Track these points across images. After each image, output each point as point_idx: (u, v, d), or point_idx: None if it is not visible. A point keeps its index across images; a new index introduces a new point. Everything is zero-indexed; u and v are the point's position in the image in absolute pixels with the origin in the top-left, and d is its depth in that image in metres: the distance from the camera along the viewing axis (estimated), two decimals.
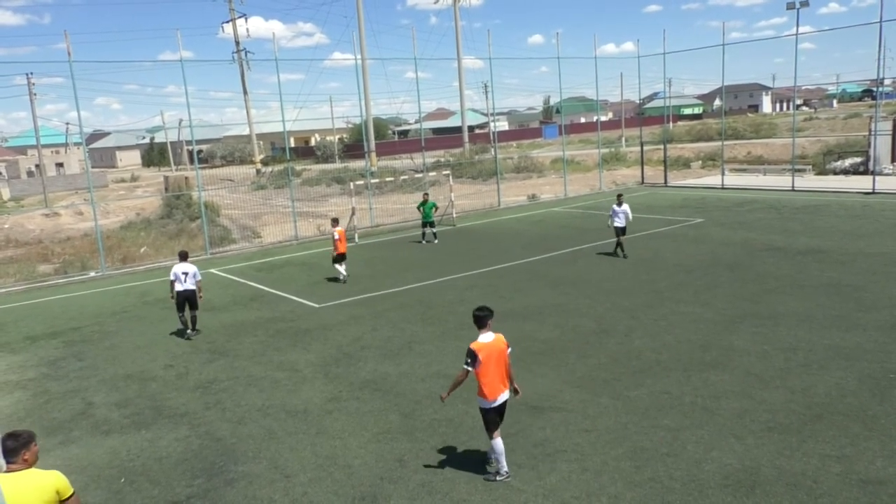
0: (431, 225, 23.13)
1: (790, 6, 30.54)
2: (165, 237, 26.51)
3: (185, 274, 13.44)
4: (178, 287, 13.44)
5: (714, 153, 43.19)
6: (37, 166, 62.15)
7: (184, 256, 13.92)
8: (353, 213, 24.69)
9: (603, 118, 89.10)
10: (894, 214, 22.38)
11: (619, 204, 18.11)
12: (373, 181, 30.39)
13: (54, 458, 8.75)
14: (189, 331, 13.67)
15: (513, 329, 12.68)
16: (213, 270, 20.59)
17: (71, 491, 4.70)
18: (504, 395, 7.35)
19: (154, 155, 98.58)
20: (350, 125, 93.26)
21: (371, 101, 56.61)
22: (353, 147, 74.97)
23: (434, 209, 23.40)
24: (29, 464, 4.66)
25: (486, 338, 7.38)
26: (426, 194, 23.76)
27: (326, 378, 10.87)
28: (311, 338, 13.06)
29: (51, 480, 4.60)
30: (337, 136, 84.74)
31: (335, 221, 18.04)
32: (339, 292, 16.61)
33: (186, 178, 38.58)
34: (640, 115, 57.68)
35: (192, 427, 9.36)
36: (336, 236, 17.53)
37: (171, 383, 11.16)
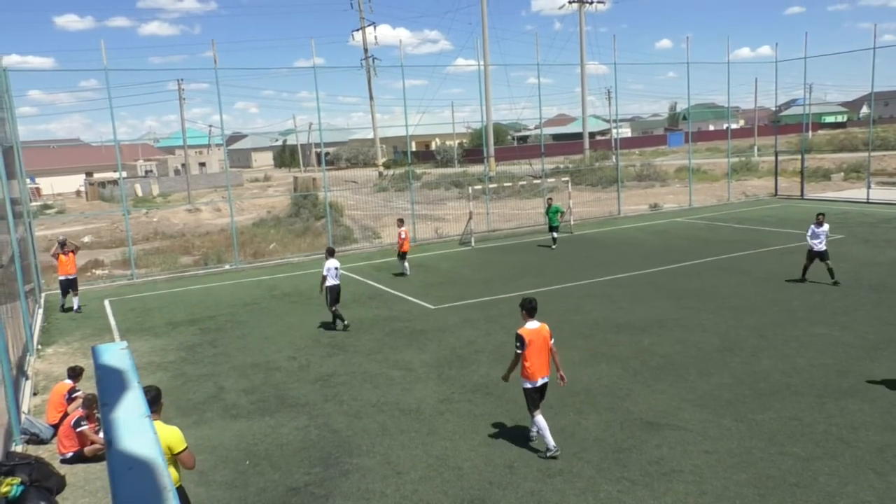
0: (556, 229, 23.08)
1: None
2: (292, 235, 27.93)
3: (337, 269, 14.19)
4: (331, 282, 14.07)
5: (859, 165, 39.93)
6: (182, 165, 67.40)
7: (331, 252, 14.59)
8: (469, 217, 24.91)
9: (734, 126, 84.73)
10: None
11: (820, 224, 15.87)
12: (491, 186, 30.50)
13: (188, 436, 9.41)
14: (344, 322, 14.25)
15: (629, 342, 12.33)
16: None
17: (184, 446, 5.67)
18: (545, 379, 8.23)
19: (285, 156, 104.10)
20: (470, 130, 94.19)
21: (492, 106, 56.89)
22: (472, 152, 75.67)
23: (559, 214, 23.37)
24: (158, 416, 5.72)
25: (533, 325, 8.31)
26: (550, 199, 23.76)
27: (440, 379, 11.04)
28: (426, 338, 13.31)
29: (168, 434, 5.59)
30: (457, 141, 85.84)
31: (401, 222, 19.69)
32: (454, 295, 16.81)
33: (314, 178, 40.49)
34: (776, 123, 54.34)
35: (312, 417, 9.80)
36: (402, 235, 19.28)
37: (293, 374, 11.74)
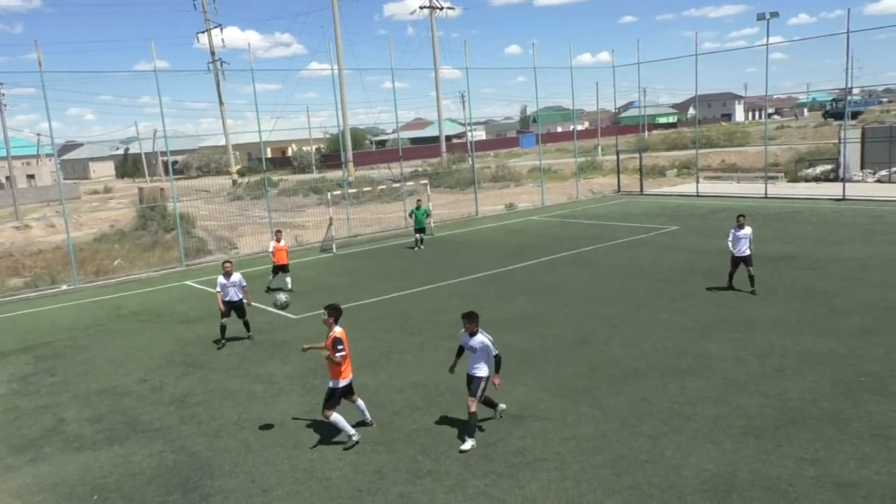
0: (423, 231, 23.35)
1: (760, 17, 31.14)
2: (140, 249, 26.16)
3: (234, 286, 13.70)
4: (225, 298, 13.63)
5: (689, 161, 43.71)
6: (7, 178, 61.09)
7: (228, 267, 14.00)
8: (330, 224, 24.57)
9: (579, 127, 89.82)
10: (864, 220, 22.81)
11: (741, 227, 14.49)
12: (350, 191, 30.28)
13: (24, 475, 8.55)
14: (248, 337, 13.93)
15: (497, 338, 12.67)
16: (188, 282, 20.36)
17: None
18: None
19: (128, 166, 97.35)
20: (327, 135, 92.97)
21: (348, 111, 56.54)
22: (330, 157, 74.73)
23: (427, 216, 23.76)
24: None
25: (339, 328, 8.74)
26: (419, 200, 24.15)
27: (304, 390, 10.77)
28: (288, 349, 12.94)
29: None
30: (314, 147, 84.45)
31: (278, 233, 19.12)
32: (317, 303, 16.44)
33: (161, 189, 38.15)
34: (616, 124, 58.29)
35: (167, 442, 9.21)
36: (271, 248, 18.66)
37: (145, 398, 10.98)
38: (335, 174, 53.97)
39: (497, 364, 8.53)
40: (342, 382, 8.64)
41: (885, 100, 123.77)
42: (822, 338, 11.45)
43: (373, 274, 19.84)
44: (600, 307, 14.28)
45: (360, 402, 9.14)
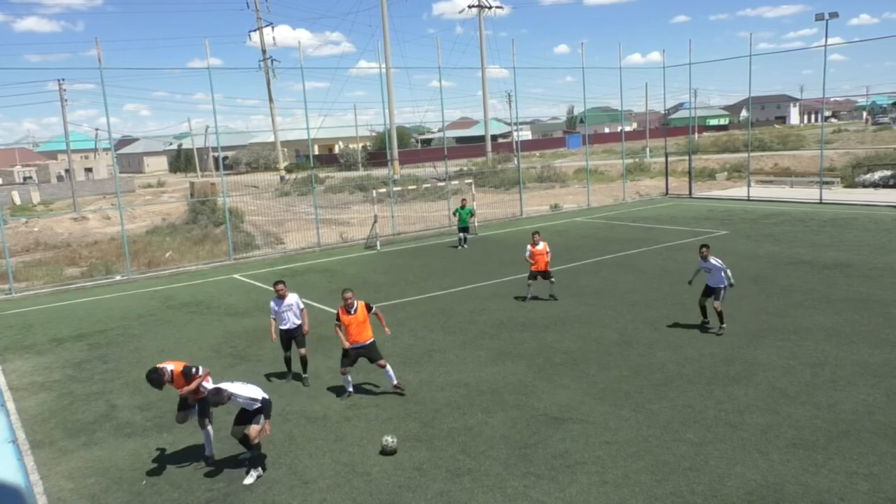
0: (466, 230, 23.40)
1: (819, 17, 30.16)
2: (190, 242, 26.83)
3: (289, 309, 11.14)
4: (282, 326, 11.20)
5: (740, 165, 42.70)
6: (66, 171, 63.31)
7: (281, 289, 11.18)
8: (374, 221, 24.78)
9: (627, 128, 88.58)
10: None
11: (705, 258, 12.30)
12: (395, 189, 30.47)
13: (77, 459, 8.86)
14: (302, 378, 11.26)
15: (533, 339, 12.63)
16: (236, 276, 20.79)
17: None
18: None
19: (181, 161, 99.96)
20: (374, 133, 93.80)
21: (395, 109, 56.91)
22: (376, 155, 75.37)
23: (471, 215, 23.78)
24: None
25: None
26: (464, 199, 24.15)
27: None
28: (331, 344, 13.08)
29: None
30: (360, 144, 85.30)
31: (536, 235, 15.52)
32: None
33: (212, 183, 39.07)
34: (665, 126, 57.26)
35: (214, 431, 9.41)
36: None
37: None
38: (381, 172, 54.42)
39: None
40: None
41: None
42: (878, 349, 11.06)
43: (416, 272, 19.94)
44: (645, 311, 14.07)
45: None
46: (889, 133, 61.32)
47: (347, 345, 10.24)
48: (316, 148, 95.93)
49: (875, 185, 33.90)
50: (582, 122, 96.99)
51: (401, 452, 8.43)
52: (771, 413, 8.89)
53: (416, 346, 12.66)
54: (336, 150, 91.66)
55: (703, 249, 12.43)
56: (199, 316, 16.10)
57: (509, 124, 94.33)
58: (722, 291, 12.23)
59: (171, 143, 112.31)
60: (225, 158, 72.33)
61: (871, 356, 10.75)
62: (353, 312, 10.25)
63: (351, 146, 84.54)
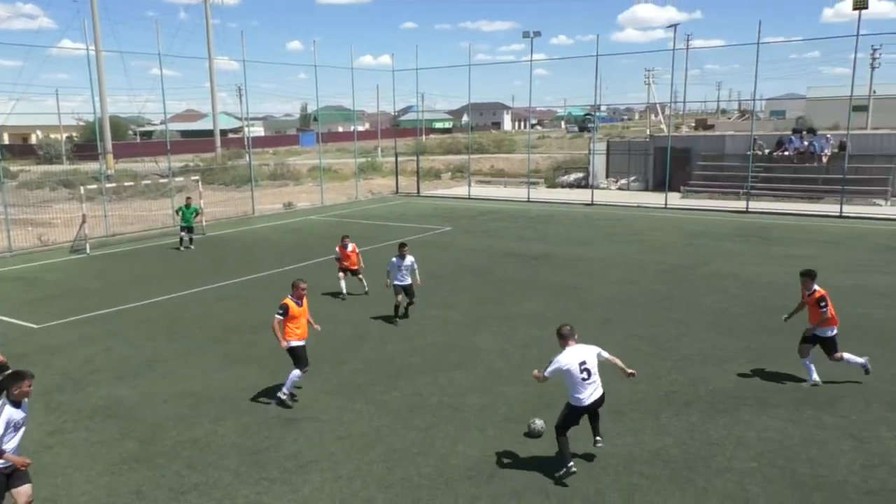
0: (191, 230, 22.01)
1: (525, 35, 33.90)
2: None
3: None
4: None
5: (462, 165, 46.15)
6: None
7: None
8: (83, 222, 22.05)
9: (360, 128, 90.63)
10: (608, 223, 25.80)
11: (402, 256, 13.19)
12: (109, 186, 27.47)
13: None
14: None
15: (265, 342, 12.26)
16: None
17: None
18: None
19: None
20: (82, 123, 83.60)
21: (107, 97, 51.44)
22: (85, 147, 67.17)
23: (196, 214, 22.40)
24: None
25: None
26: (189, 198, 22.67)
27: (47, 409, 9.55)
28: (27, 363, 11.31)
29: None
30: (65, 135, 75.51)
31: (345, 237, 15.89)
32: (65, 310, 14.73)
33: None
34: (396, 127, 59.73)
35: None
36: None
37: None
38: (91, 166, 48.73)
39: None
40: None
41: (626, 118, 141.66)
42: None
43: (134, 276, 18.21)
44: (374, 307, 14.50)
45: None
46: (582, 140, 70.94)
47: (295, 343, 9.49)
48: (6, 136, 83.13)
49: (571, 185, 39.05)
50: (315, 120, 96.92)
51: (116, 476, 7.62)
52: (487, 394, 9.75)
53: (134, 357, 11.56)
54: (33, 140, 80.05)
55: (403, 248, 13.38)
56: None
57: (240, 119, 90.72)
58: (412, 287, 13.42)
59: None
60: None
61: None
62: (301, 305, 9.56)
63: (52, 136, 74.41)
